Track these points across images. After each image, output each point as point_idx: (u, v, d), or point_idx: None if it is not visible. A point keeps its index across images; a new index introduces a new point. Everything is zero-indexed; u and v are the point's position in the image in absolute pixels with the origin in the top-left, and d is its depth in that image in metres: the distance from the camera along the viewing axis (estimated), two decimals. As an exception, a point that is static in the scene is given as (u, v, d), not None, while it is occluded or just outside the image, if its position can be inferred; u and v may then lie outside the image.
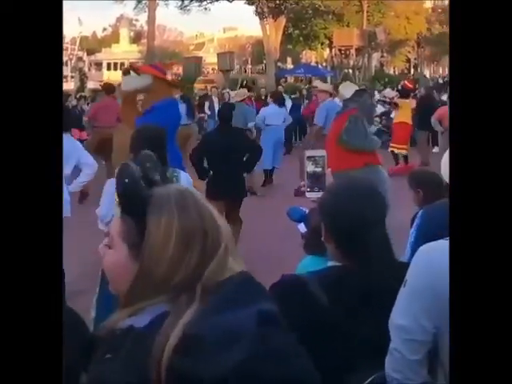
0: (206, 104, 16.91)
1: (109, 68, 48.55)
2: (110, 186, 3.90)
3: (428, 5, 49.94)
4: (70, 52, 43.85)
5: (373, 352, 1.75)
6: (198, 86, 26.78)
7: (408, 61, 49.31)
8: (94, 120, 10.75)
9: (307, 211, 2.78)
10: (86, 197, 8.29)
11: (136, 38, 57.12)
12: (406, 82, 16.32)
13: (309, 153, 2.53)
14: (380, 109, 14.79)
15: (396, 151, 12.06)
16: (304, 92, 19.39)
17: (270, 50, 32.92)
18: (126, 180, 1.25)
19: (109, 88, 10.95)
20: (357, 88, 6.30)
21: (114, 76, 39.61)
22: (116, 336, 1.25)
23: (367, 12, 36.09)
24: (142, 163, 1.28)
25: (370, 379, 1.75)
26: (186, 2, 35.28)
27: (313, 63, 45.58)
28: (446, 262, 1.56)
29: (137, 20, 56.56)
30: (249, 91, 13.57)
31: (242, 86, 13.80)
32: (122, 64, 45.63)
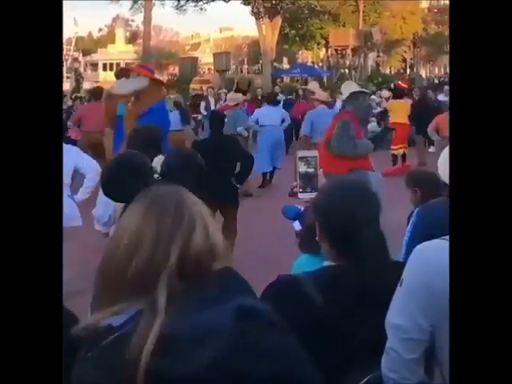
0: (202, 104, 16.91)
1: (104, 68, 48.54)
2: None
3: (424, 5, 50.02)
4: (66, 52, 43.76)
5: (369, 352, 1.75)
6: (193, 87, 26.76)
7: (404, 61, 49.37)
8: (80, 124, 10.61)
9: (302, 209, 2.78)
10: None
11: (132, 39, 57.06)
12: (399, 82, 16.34)
13: (301, 153, 2.53)
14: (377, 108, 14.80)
15: (394, 152, 12.04)
16: (300, 92, 19.40)
17: (266, 50, 32.92)
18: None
19: (98, 93, 10.92)
20: (357, 88, 6.20)
21: (110, 76, 39.62)
22: (96, 335, 1.24)
23: (363, 12, 36.13)
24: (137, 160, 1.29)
25: (366, 379, 1.75)
26: (182, 2, 35.27)
27: (309, 63, 45.62)
28: (442, 261, 1.56)
29: (133, 20, 56.55)
30: (243, 94, 13.44)
31: (237, 88, 13.76)
32: (118, 64, 45.61)
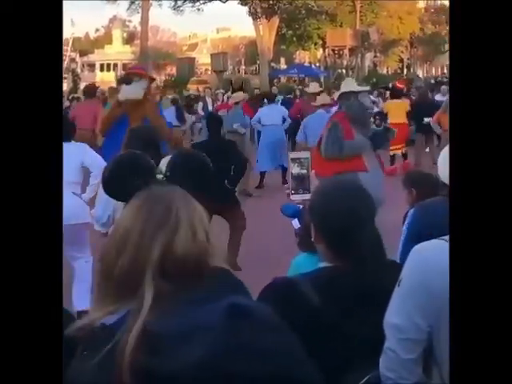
0: (200, 105, 16.93)
1: (102, 69, 48.41)
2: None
3: (421, 5, 50.04)
4: (63, 53, 43.66)
5: (367, 352, 1.75)
6: (191, 87, 26.75)
7: (401, 61, 49.36)
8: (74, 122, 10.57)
9: (301, 207, 2.78)
10: None
11: (129, 39, 56.95)
12: (396, 82, 16.32)
13: (293, 155, 2.52)
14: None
15: (392, 152, 12.02)
16: (297, 92, 19.38)
17: (263, 50, 32.92)
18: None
19: (90, 91, 10.88)
20: (356, 86, 6.09)
21: (107, 77, 39.56)
22: (92, 334, 1.25)
23: (360, 12, 36.14)
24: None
25: (364, 379, 1.75)
26: (179, 3, 35.28)
27: (306, 63, 45.60)
28: (439, 261, 1.57)
29: (130, 21, 56.41)
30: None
31: (233, 89, 13.78)
32: (115, 65, 45.59)
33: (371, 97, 13.54)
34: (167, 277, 1.21)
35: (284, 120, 11.34)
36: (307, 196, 2.47)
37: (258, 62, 39.43)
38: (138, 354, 1.10)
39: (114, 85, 16.02)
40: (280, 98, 16.53)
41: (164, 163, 1.45)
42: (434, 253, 1.64)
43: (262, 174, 10.87)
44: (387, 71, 48.19)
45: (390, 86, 16.60)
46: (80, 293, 4.59)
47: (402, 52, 48.16)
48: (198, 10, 35.87)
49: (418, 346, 1.69)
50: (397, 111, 12.06)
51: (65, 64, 41.67)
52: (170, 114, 11.15)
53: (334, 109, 8.96)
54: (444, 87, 15.86)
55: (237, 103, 10.98)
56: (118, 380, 1.11)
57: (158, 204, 1.28)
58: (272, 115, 11.21)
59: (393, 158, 12.06)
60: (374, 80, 29.17)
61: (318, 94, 10.73)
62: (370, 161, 5.61)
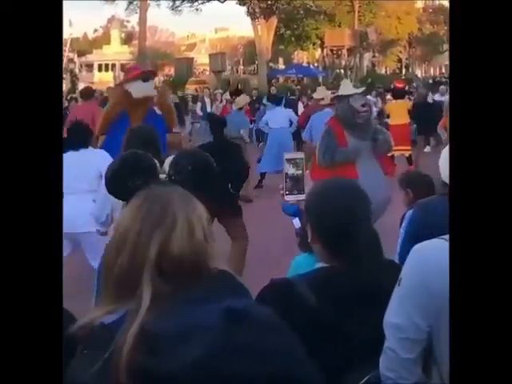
0: (199, 105, 16.92)
1: (100, 69, 48.45)
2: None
3: (419, 5, 50.07)
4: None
5: (367, 352, 1.75)
6: (189, 87, 26.76)
7: (399, 61, 49.41)
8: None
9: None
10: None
11: (127, 39, 56.94)
12: (396, 82, 16.30)
13: (288, 155, 2.52)
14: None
15: (395, 154, 11.88)
16: (296, 93, 19.38)
17: (261, 50, 32.94)
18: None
19: (87, 93, 10.87)
20: (351, 89, 6.00)
21: (105, 77, 39.56)
22: (91, 333, 1.25)
23: (358, 12, 36.17)
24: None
25: (364, 379, 1.75)
26: (177, 3, 35.31)
27: (304, 63, 45.61)
28: (439, 261, 1.57)
29: (128, 21, 56.45)
30: (237, 96, 13.38)
31: (230, 91, 13.76)
32: (113, 65, 45.59)
33: (369, 97, 13.52)
34: (165, 276, 1.21)
35: (291, 123, 11.27)
36: (301, 197, 2.47)
37: (256, 62, 39.41)
38: (135, 353, 1.10)
39: (113, 85, 16.00)
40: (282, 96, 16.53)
41: (167, 163, 1.44)
42: (434, 252, 1.64)
43: (263, 174, 10.87)
44: (386, 71, 48.25)
45: (392, 87, 16.50)
46: None
47: (401, 52, 48.21)
48: (196, 10, 35.93)
49: (417, 346, 1.69)
50: (399, 111, 11.89)
51: (63, 64, 41.68)
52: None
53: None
54: (442, 87, 15.89)
55: (240, 108, 10.94)
56: (116, 380, 1.11)
57: (157, 203, 1.28)
58: (279, 118, 11.15)
59: (392, 157, 11.98)
60: (370, 80, 29.20)
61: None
62: (367, 163, 5.51)
